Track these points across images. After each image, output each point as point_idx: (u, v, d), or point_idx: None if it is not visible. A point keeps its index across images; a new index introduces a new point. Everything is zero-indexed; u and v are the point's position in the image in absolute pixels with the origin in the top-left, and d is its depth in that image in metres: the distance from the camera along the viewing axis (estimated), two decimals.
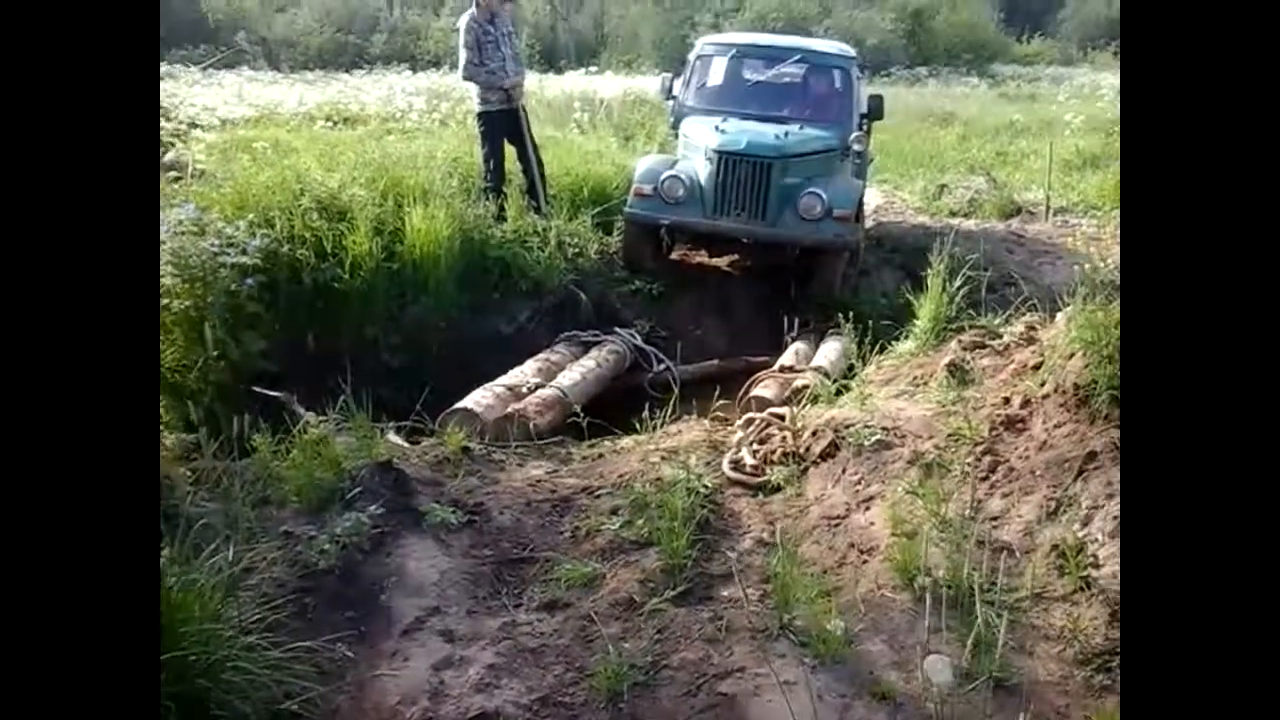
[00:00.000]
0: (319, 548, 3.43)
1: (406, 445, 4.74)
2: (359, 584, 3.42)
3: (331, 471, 3.87)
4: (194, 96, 9.97)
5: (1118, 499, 3.41)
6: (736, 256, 8.26)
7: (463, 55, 7.84)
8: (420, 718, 2.80)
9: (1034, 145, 13.89)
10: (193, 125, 6.79)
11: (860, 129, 8.21)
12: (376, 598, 3.38)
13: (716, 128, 7.56)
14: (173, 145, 6.38)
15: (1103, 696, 2.93)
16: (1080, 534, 3.40)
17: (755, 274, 8.06)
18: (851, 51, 8.82)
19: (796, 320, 7.13)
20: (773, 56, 8.55)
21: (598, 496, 4.26)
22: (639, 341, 6.93)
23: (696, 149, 7.67)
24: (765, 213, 7.31)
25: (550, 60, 26.44)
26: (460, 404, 5.23)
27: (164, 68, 14.55)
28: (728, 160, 7.30)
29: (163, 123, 6.06)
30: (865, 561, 3.66)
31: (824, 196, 7.18)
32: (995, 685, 2.89)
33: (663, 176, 7.42)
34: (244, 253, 5.76)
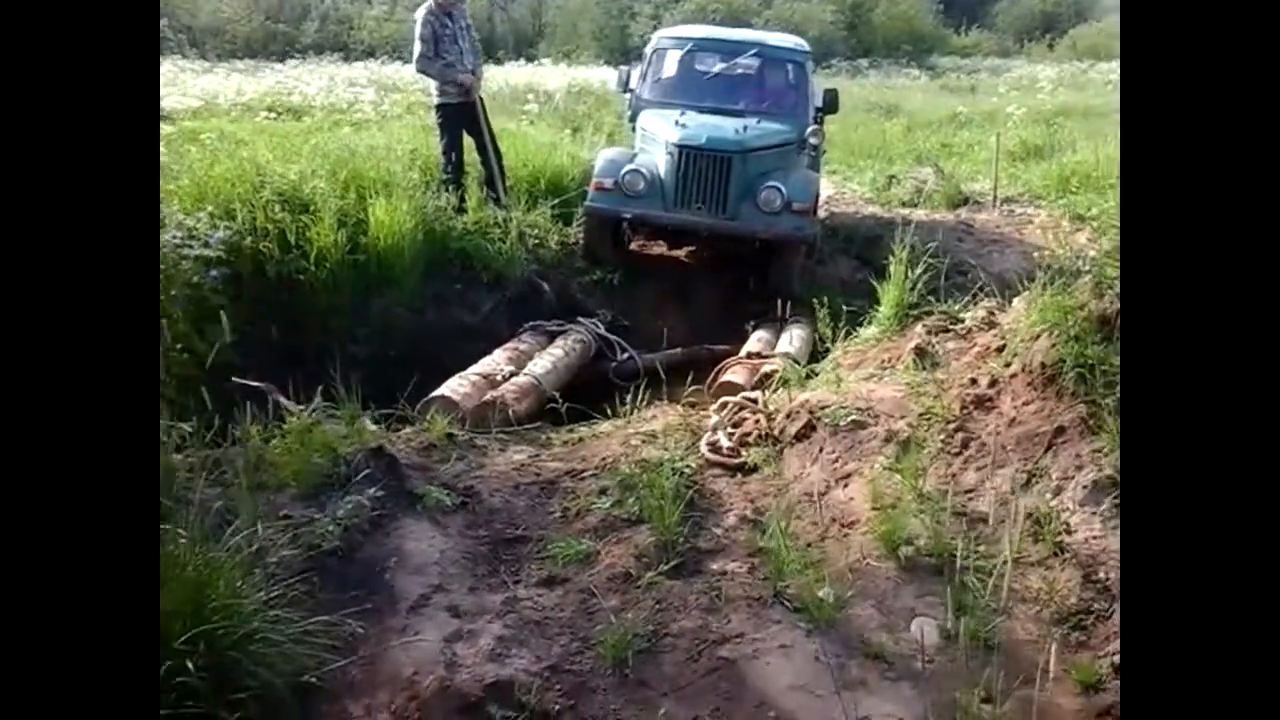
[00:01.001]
0: (322, 529, 3.50)
1: (387, 433, 4.79)
2: (362, 563, 3.50)
3: (327, 456, 3.93)
4: None
5: (1087, 470, 3.61)
6: (695, 248, 8.39)
7: (417, 47, 7.85)
8: (438, 686, 2.88)
9: (978, 136, 14.24)
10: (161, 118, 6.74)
11: (815, 122, 8.37)
12: (380, 577, 3.46)
13: (676, 122, 7.64)
14: None
15: (1078, 652, 3.13)
16: (1052, 503, 3.60)
17: (714, 264, 8.19)
18: (806, 45, 8.97)
19: (757, 309, 7.26)
20: (729, 50, 8.63)
21: (583, 478, 4.38)
22: (602, 330, 7.03)
23: (656, 142, 7.75)
24: (725, 206, 7.42)
25: (488, 51, 26.34)
26: (438, 392, 5.30)
27: None
28: (688, 154, 7.39)
29: None
30: (847, 534, 3.82)
31: (783, 190, 7.32)
32: (977, 644, 3.06)
33: (623, 170, 7.50)
34: (206, 245, 5.73)
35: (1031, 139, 13.14)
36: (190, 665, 2.50)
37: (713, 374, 5.90)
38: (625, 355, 6.84)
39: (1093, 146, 11.29)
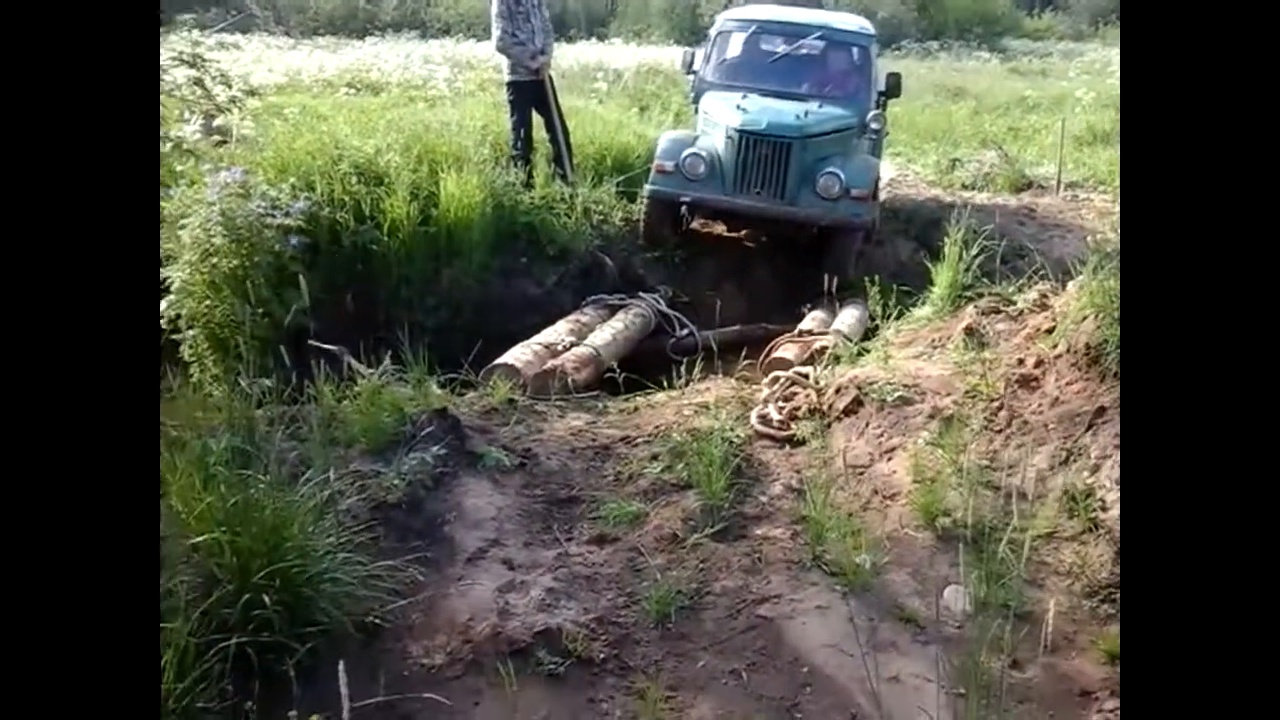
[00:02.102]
0: (388, 483, 3.73)
1: (451, 396, 5.02)
2: (424, 516, 3.72)
3: (394, 416, 4.15)
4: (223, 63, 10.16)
5: (1121, 449, 3.69)
6: (753, 230, 8.47)
7: (497, 26, 8.03)
8: (490, 632, 3.09)
9: (1045, 120, 14.06)
10: (250, 93, 7.02)
11: (877, 107, 8.36)
12: (440, 529, 3.68)
13: (737, 105, 7.69)
14: (227, 111, 6.62)
15: (1107, 624, 3.23)
16: (1089, 480, 3.69)
17: (773, 246, 8.28)
18: (871, 28, 8.92)
19: (814, 290, 7.33)
20: (793, 33, 8.60)
21: (636, 445, 4.56)
22: (663, 306, 7.19)
23: (717, 126, 7.79)
24: (784, 191, 7.46)
25: (560, 29, 26.51)
26: (501, 359, 5.52)
27: (221, 36, 14.65)
28: (748, 139, 7.44)
29: (222, 89, 6.31)
30: (888, 505, 3.96)
31: (842, 176, 7.34)
32: (1008, 613, 3.18)
33: (684, 154, 7.57)
34: (287, 215, 6.00)
35: (1100, 124, 12.95)
36: (267, 599, 2.73)
37: (765, 350, 6.03)
38: (685, 331, 6.99)
39: None
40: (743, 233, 8.51)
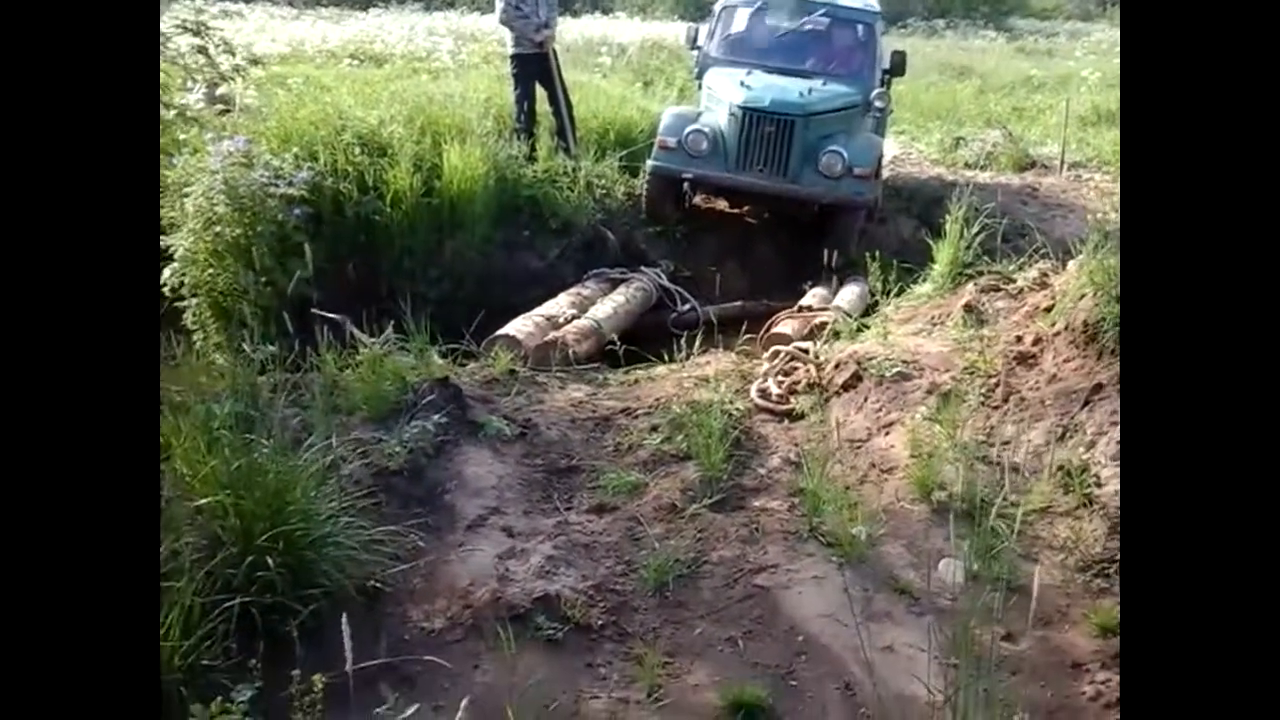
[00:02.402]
0: (388, 451, 3.77)
1: (453, 366, 5.05)
2: (425, 484, 3.76)
3: (396, 385, 4.19)
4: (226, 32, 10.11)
5: (1120, 425, 3.73)
6: (756, 207, 8.48)
7: (500, 1, 8.01)
8: (490, 597, 3.14)
9: (1050, 100, 14.02)
10: (253, 62, 7.01)
11: (882, 85, 8.34)
12: (441, 497, 3.73)
13: (741, 82, 7.68)
14: (231, 80, 6.62)
15: (1100, 598, 3.27)
16: (1084, 456, 3.73)
17: (775, 222, 8.29)
18: (876, 5, 8.89)
19: (815, 266, 7.36)
20: (797, 9, 8.57)
21: (636, 416, 4.59)
22: (664, 281, 7.21)
23: (720, 103, 7.78)
24: (787, 169, 7.46)
25: (565, 3, 26.34)
26: (503, 330, 5.55)
27: (224, 4, 14.58)
28: (752, 116, 7.43)
29: (226, 58, 6.30)
30: (885, 479, 4.00)
31: (845, 155, 7.34)
32: (1002, 586, 3.21)
33: (687, 130, 7.57)
34: (290, 184, 6.01)
35: (1105, 104, 12.92)
36: (270, 561, 2.77)
37: (765, 326, 6.06)
38: (687, 306, 7.01)
39: None
40: (745, 209, 8.52)
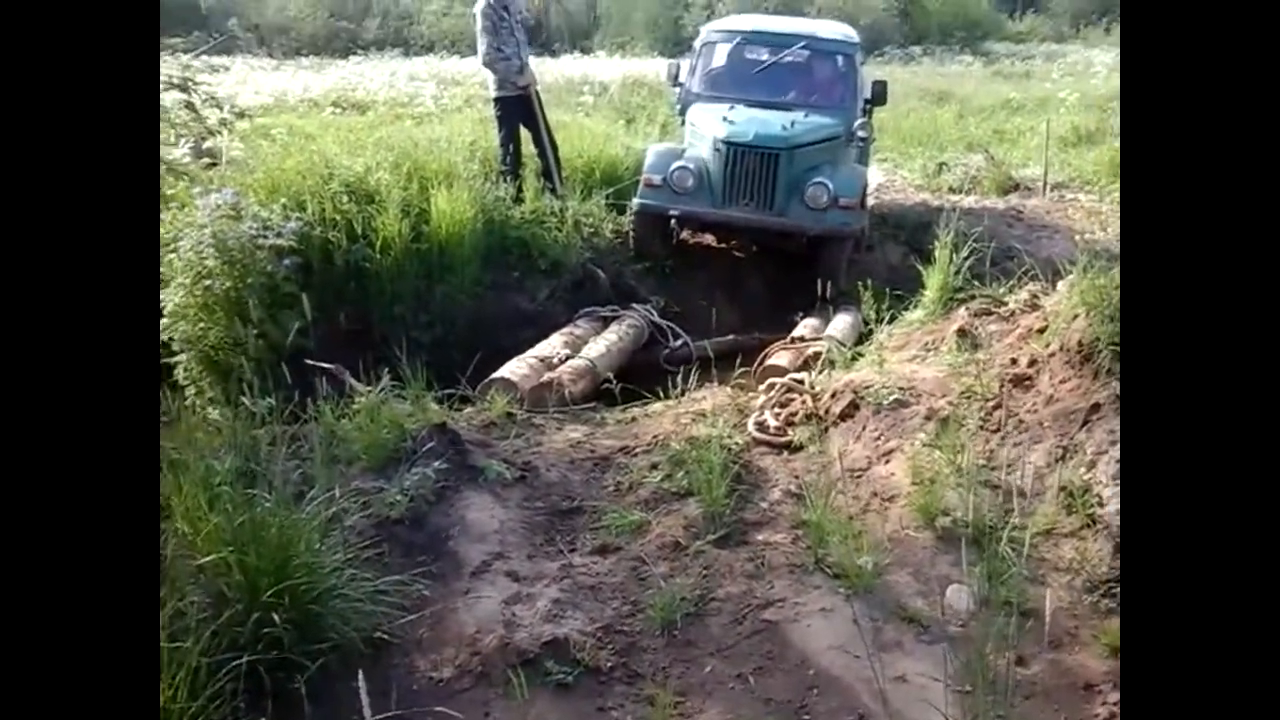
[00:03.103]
0: (389, 500, 3.76)
1: (450, 412, 5.04)
2: (428, 531, 3.75)
3: (394, 433, 4.18)
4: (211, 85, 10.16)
5: (1120, 444, 3.74)
6: (744, 241, 8.49)
7: (482, 42, 8.06)
8: (498, 643, 3.11)
9: (1030, 122, 14.16)
10: (239, 115, 7.05)
11: (863, 114, 8.38)
12: (445, 543, 3.71)
13: (724, 118, 7.71)
14: (217, 134, 6.66)
15: (1109, 618, 3.26)
16: (1086, 477, 3.73)
17: (764, 255, 8.32)
18: (855, 36, 8.95)
19: (806, 298, 7.34)
20: (777, 43, 8.63)
21: (635, 455, 4.59)
22: (656, 317, 7.21)
23: (704, 138, 7.80)
24: (773, 202, 7.48)
25: (544, 44, 26.60)
26: (498, 374, 5.55)
27: (207, 58, 14.68)
28: (736, 151, 7.46)
29: (213, 111, 6.34)
30: (888, 508, 3.99)
31: (830, 186, 7.36)
32: (1010, 610, 3.21)
33: (672, 167, 7.58)
34: (279, 235, 6.01)
35: (1084, 125, 13.06)
36: (276, 617, 2.75)
37: (759, 358, 6.06)
38: (679, 341, 7.01)
39: None
40: (732, 244, 8.54)
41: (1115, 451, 3.73)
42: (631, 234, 8.00)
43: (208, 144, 7.03)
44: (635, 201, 7.82)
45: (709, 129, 7.73)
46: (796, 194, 7.44)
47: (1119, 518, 3.53)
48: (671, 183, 7.58)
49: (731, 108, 7.94)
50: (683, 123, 8.63)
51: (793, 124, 7.66)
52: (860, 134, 8.32)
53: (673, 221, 8.08)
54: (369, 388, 4.65)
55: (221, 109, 6.47)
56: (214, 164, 7.17)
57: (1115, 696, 2.92)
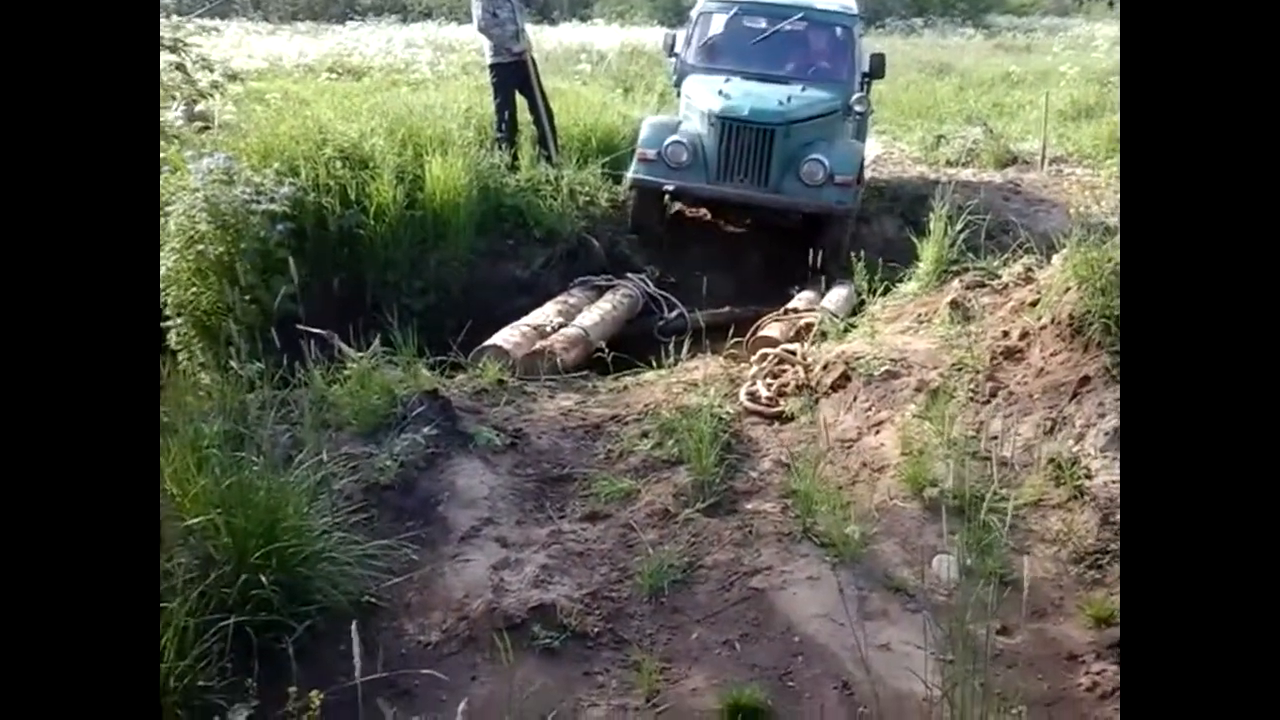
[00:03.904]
0: (379, 465, 3.76)
1: (441, 378, 5.04)
2: (417, 497, 3.75)
3: (384, 398, 4.17)
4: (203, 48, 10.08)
5: (1109, 417, 3.75)
6: (738, 217, 8.45)
7: (477, 7, 8.01)
8: (485, 608, 3.13)
9: (1030, 96, 14.08)
10: (231, 78, 6.99)
11: (861, 89, 8.26)
12: (434, 509, 3.72)
13: (719, 91, 7.61)
14: (209, 97, 6.61)
15: (1094, 589, 3.28)
16: (1074, 449, 3.74)
17: (761, 229, 8.29)
18: (854, 7, 8.78)
19: (802, 271, 7.29)
20: (775, 13, 8.45)
21: (626, 423, 4.60)
22: (650, 287, 7.20)
23: (699, 112, 7.70)
24: (768, 178, 7.40)
25: (543, 11, 26.36)
26: (490, 341, 5.55)
27: (201, 20, 14.55)
28: (731, 126, 7.36)
29: (204, 74, 6.29)
30: (877, 478, 4.00)
31: (826, 163, 7.26)
32: (996, 580, 3.22)
33: (666, 141, 7.50)
34: (273, 200, 5.98)
35: (1084, 98, 13.00)
36: (264, 579, 2.76)
37: (751, 329, 6.06)
38: (675, 312, 6.98)
39: None
40: (728, 219, 8.49)
41: (1104, 424, 3.75)
42: (630, 209, 7.93)
43: (200, 107, 6.98)
44: (629, 176, 7.76)
45: (704, 102, 7.64)
46: (792, 170, 7.36)
47: (1108, 490, 3.55)
48: (666, 157, 7.50)
49: (727, 80, 7.83)
50: (678, 94, 8.52)
51: (789, 98, 7.56)
52: (858, 108, 8.21)
53: (666, 197, 8.01)
54: (360, 354, 4.65)
55: (213, 71, 6.40)
56: (206, 128, 7.12)
57: (1099, 666, 2.94)
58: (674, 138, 7.53)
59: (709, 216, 8.55)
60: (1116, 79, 14.25)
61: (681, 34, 8.86)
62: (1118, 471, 3.61)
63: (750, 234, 8.29)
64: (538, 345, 5.60)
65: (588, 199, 8.00)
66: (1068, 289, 4.30)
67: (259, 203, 5.88)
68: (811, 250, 7.02)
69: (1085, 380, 3.93)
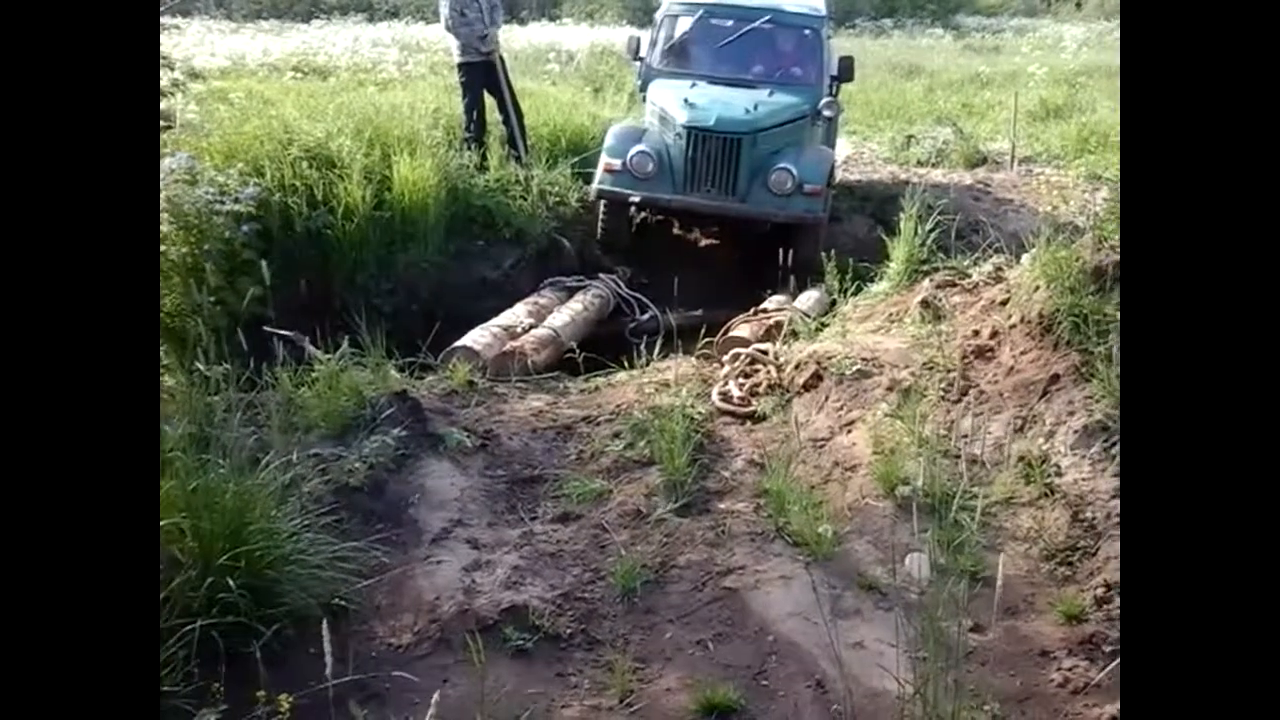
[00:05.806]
0: (348, 467, 3.72)
1: (410, 380, 4.99)
2: (387, 499, 3.72)
3: (353, 400, 4.13)
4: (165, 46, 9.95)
5: (1079, 415, 3.77)
6: (707, 227, 8.37)
7: (445, 8, 7.96)
8: (457, 610, 3.10)
9: (999, 96, 14.19)
10: (193, 76, 6.90)
11: (830, 92, 8.10)
12: (404, 511, 3.68)
13: (685, 99, 7.39)
14: (170, 95, 6.52)
15: (1064, 586, 3.30)
16: (1044, 447, 3.76)
17: (731, 236, 8.24)
18: (823, 9, 8.56)
19: (775, 275, 7.22)
20: (742, 16, 8.16)
21: (597, 424, 4.58)
22: (622, 289, 7.16)
23: (665, 119, 7.52)
24: (735, 188, 7.22)
25: (512, 11, 26.26)
26: (460, 342, 5.51)
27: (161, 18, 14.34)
28: (697, 136, 7.17)
29: (165, 72, 6.20)
30: (849, 477, 4.01)
31: (795, 172, 7.12)
32: (968, 578, 3.23)
33: (631, 152, 7.31)
34: (237, 201, 5.92)
35: (1052, 99, 13.11)
36: (231, 583, 2.72)
37: (722, 330, 6.04)
38: (647, 315, 6.93)
39: (1113, 106, 11.27)
40: (698, 232, 8.41)
41: (1073, 422, 3.77)
42: (599, 221, 7.74)
43: (160, 106, 6.89)
44: (595, 186, 7.56)
45: (669, 110, 7.45)
46: (760, 179, 7.18)
47: (1078, 487, 3.57)
48: (631, 168, 7.30)
49: (693, 85, 7.65)
50: (644, 99, 8.27)
51: (756, 105, 7.38)
52: (827, 112, 8.05)
53: (632, 208, 7.82)
54: (328, 355, 4.60)
55: (174, 70, 6.31)
56: (168, 127, 7.02)
57: (1070, 662, 2.95)
58: (639, 148, 7.33)
59: (677, 231, 8.45)
60: (1084, 79, 14.41)
61: (646, 37, 8.64)
62: (1087, 469, 3.64)
63: (722, 238, 8.27)
64: (508, 346, 5.57)
65: (558, 199, 7.96)
66: (1037, 288, 4.33)
67: (223, 203, 5.82)
68: (782, 253, 7.00)
69: (1055, 378, 3.95)
